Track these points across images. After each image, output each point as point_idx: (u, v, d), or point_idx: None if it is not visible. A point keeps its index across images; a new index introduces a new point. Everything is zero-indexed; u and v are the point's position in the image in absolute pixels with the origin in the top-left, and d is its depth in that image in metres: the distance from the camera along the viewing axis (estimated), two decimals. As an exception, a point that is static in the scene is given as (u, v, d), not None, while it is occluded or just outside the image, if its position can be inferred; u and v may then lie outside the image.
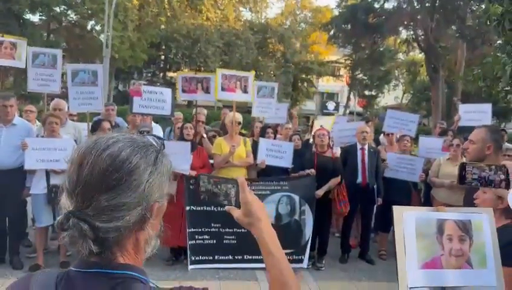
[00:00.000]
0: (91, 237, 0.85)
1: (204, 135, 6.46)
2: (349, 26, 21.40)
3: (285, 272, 1.16)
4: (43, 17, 20.55)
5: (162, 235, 1.02)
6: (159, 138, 1.02)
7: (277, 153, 5.92)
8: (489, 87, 5.44)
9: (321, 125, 6.49)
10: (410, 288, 2.22)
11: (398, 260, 2.24)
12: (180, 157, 5.15)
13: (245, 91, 5.97)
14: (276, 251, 1.17)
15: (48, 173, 5.01)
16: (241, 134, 6.81)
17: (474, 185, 2.27)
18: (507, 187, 2.15)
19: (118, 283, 0.87)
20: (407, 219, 2.29)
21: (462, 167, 2.27)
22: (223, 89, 5.87)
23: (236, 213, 1.17)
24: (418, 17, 17.19)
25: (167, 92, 5.90)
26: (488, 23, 5.29)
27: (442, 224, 2.32)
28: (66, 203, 0.88)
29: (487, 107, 6.71)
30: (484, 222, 2.36)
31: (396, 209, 2.33)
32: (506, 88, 4.83)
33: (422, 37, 18.69)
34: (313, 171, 5.62)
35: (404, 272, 2.22)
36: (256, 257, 5.42)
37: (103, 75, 5.99)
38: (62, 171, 4.99)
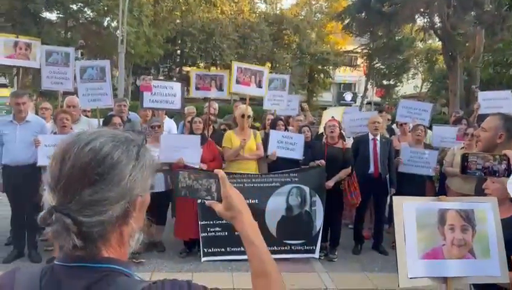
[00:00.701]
0: (74, 231, 0.86)
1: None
2: (363, 14, 21.04)
3: (266, 262, 1.17)
4: (60, 15, 20.84)
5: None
6: (140, 132, 1.03)
7: (288, 144, 5.91)
8: (499, 73, 5.28)
9: (332, 116, 6.46)
10: (410, 278, 2.21)
11: (397, 250, 2.24)
12: (190, 151, 5.20)
13: (259, 86, 5.99)
14: (258, 242, 1.18)
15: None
16: (253, 127, 6.83)
17: (478, 175, 2.24)
18: (509, 176, 2.12)
19: (102, 276, 0.88)
20: (407, 209, 2.28)
21: (464, 158, 2.24)
22: (237, 82, 5.90)
23: (218, 207, 1.19)
24: (435, 3, 16.81)
25: (177, 86, 5.96)
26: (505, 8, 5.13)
27: (444, 214, 2.30)
28: (48, 198, 0.89)
29: (507, 94, 6.55)
30: (488, 211, 2.33)
31: (396, 200, 2.32)
32: None
33: (439, 24, 18.28)
34: (322, 162, 5.60)
35: (404, 263, 2.22)
36: (268, 248, 5.43)
37: (119, 70, 6.07)
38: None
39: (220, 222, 5.41)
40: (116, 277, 0.89)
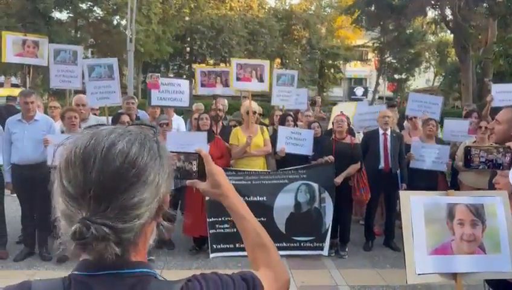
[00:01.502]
0: (114, 240, 0.80)
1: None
2: (373, 8, 20.86)
3: (262, 234, 1.17)
4: (70, 15, 21.02)
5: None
6: (150, 126, 1.01)
7: (297, 140, 5.86)
8: (510, 64, 5.17)
9: (341, 111, 6.39)
10: (418, 275, 2.16)
11: (405, 246, 2.19)
12: (196, 148, 5.18)
13: (261, 80, 5.94)
14: (249, 216, 1.18)
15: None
16: (261, 123, 6.80)
17: (481, 168, 2.20)
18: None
19: (136, 282, 0.85)
20: (414, 204, 2.23)
21: (467, 151, 2.19)
22: (238, 79, 5.86)
23: (202, 185, 1.17)
24: (446, -5, 16.63)
25: (185, 83, 5.95)
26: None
27: (453, 208, 2.25)
28: (67, 209, 0.81)
29: None
30: (498, 206, 2.27)
31: (403, 194, 2.28)
32: None
33: (450, 16, 18.03)
34: (331, 158, 5.55)
35: (412, 259, 2.17)
36: (276, 245, 5.39)
37: (129, 69, 6.10)
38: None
39: (228, 218, 5.38)
40: (149, 281, 0.86)
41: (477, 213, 2.25)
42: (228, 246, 5.44)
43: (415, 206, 2.25)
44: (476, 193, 2.39)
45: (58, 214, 0.84)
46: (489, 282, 2.31)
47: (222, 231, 5.44)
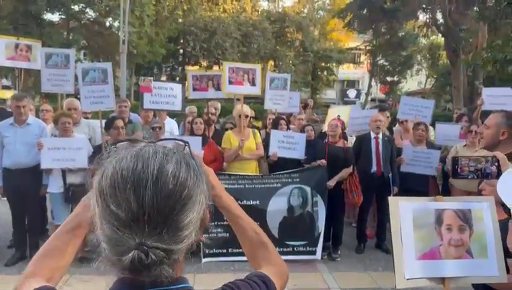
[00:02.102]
0: (168, 262, 0.81)
1: None
2: (365, 11, 21.01)
3: (259, 231, 1.18)
4: (62, 16, 20.87)
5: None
6: (183, 141, 1.00)
7: (289, 144, 5.89)
8: (498, 71, 5.25)
9: (338, 116, 6.44)
10: (407, 279, 2.20)
11: (394, 251, 2.23)
12: (191, 153, 5.19)
13: (253, 84, 5.96)
14: (244, 215, 1.19)
15: (64, 172, 5.15)
16: (254, 126, 6.82)
17: (470, 177, 2.24)
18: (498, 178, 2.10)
19: None
20: (403, 209, 2.27)
21: (455, 161, 2.23)
22: (230, 83, 5.88)
23: None
24: (436, -1, 16.79)
25: (177, 87, 5.95)
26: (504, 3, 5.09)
27: (441, 214, 2.29)
28: (116, 234, 0.79)
29: (511, 91, 6.49)
30: (485, 211, 2.31)
31: (392, 200, 2.32)
32: None
33: (441, 20, 18.22)
34: (324, 162, 5.59)
35: (400, 263, 2.21)
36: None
37: (121, 71, 6.09)
38: (78, 169, 5.12)
39: (221, 223, 5.39)
40: None
41: (465, 218, 2.29)
42: (221, 251, 5.45)
43: (404, 212, 2.28)
44: (463, 198, 2.44)
45: (101, 239, 0.82)
46: (476, 287, 2.35)
47: (215, 235, 5.45)
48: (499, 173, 2.14)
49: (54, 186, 5.22)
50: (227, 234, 5.41)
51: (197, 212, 0.85)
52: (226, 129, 6.58)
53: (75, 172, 5.12)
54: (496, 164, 2.14)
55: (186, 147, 0.95)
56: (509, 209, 0.92)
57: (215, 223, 5.41)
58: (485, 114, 6.67)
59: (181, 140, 0.97)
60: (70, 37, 21.29)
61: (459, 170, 2.23)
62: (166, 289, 0.85)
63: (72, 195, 5.15)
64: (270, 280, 1.06)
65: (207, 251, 5.46)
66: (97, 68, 5.71)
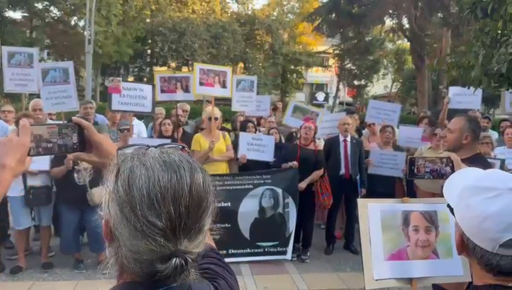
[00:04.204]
0: (194, 265, 0.85)
1: None
2: (333, 16, 21.35)
3: None
4: (25, 14, 20.22)
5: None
6: (182, 146, 0.97)
7: (258, 147, 5.91)
8: (462, 76, 5.44)
9: (311, 119, 6.49)
10: (376, 280, 2.23)
11: (363, 252, 2.26)
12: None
13: (223, 86, 5.94)
14: None
15: (24, 175, 4.95)
16: (224, 129, 6.78)
17: (426, 177, 2.31)
18: None
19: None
20: (371, 211, 2.31)
21: (411, 162, 2.30)
22: (201, 84, 5.83)
23: (86, 157, 1.14)
24: (403, 5, 17.21)
25: (147, 88, 5.85)
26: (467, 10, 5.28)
27: (408, 215, 2.34)
28: (148, 243, 0.80)
29: (477, 92, 6.70)
30: (450, 212, 2.37)
31: (361, 202, 2.35)
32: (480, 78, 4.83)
33: (407, 25, 18.76)
34: (295, 163, 5.62)
35: (369, 264, 2.24)
36: (241, 251, 5.42)
37: (87, 71, 5.93)
38: (39, 172, 4.95)
39: (217, 226, 5.34)
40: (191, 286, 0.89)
41: (431, 219, 2.35)
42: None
43: (372, 213, 2.32)
44: (430, 200, 2.50)
45: (126, 249, 0.83)
46: (435, 287, 2.41)
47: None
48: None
49: (14, 190, 4.98)
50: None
51: (209, 216, 0.89)
52: (193, 133, 6.53)
53: (35, 175, 4.94)
54: (451, 164, 2.21)
55: (186, 151, 0.98)
56: (452, 209, 0.96)
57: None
58: (452, 113, 6.87)
59: (182, 146, 0.99)
60: (34, 36, 20.63)
61: (415, 170, 2.30)
62: (169, 287, 0.86)
63: (33, 198, 4.98)
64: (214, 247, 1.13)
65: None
66: (58, 68, 5.53)
